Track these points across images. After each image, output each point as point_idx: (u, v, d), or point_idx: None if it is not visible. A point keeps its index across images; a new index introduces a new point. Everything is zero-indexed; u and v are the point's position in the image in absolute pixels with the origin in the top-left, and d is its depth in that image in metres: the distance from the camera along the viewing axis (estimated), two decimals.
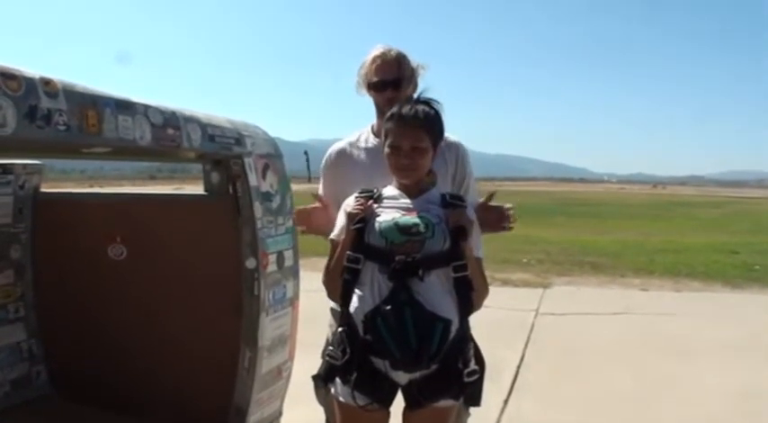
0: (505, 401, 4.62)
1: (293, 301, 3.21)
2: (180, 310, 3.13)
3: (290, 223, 3.23)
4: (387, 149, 2.11)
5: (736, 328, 6.82)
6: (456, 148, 2.51)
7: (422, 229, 1.99)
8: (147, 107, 2.27)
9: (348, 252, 2.05)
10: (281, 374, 3.12)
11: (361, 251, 2.02)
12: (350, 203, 2.14)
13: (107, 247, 3.22)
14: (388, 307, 1.89)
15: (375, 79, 2.53)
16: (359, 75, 2.61)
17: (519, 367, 5.46)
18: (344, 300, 2.04)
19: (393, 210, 2.07)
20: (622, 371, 5.41)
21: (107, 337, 3.27)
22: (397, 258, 1.94)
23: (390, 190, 2.16)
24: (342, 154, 2.67)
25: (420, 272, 1.93)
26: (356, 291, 2.02)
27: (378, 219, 2.04)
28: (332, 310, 2.52)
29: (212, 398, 2.95)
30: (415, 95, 2.21)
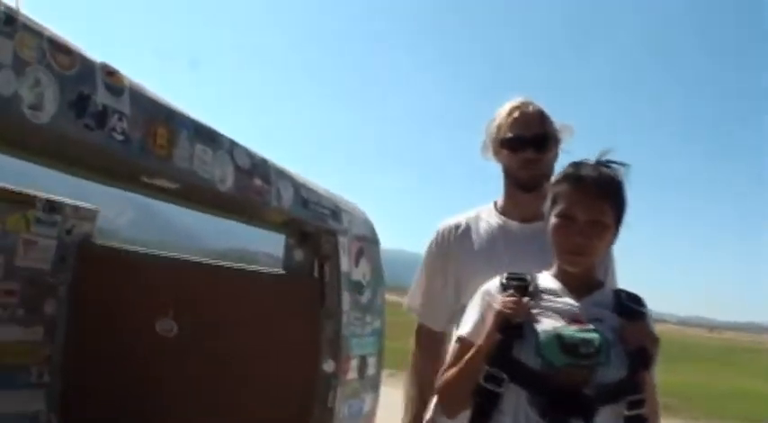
0: None
1: (369, 417, 2.84)
2: (233, 408, 2.67)
3: (377, 324, 2.77)
4: (554, 220, 1.61)
5: None
6: None
7: (594, 349, 1.47)
8: (233, 144, 1.81)
9: (487, 367, 1.54)
10: None
11: (506, 368, 1.52)
12: (495, 295, 1.60)
13: (155, 321, 2.81)
14: None
15: (510, 135, 2.02)
16: (487, 132, 2.11)
17: None
18: None
19: (553, 313, 1.56)
20: None
21: None
22: (561, 392, 1.46)
23: (547, 280, 1.65)
24: (456, 232, 2.11)
25: (589, 414, 1.45)
26: (493, 422, 1.54)
27: (536, 327, 1.53)
28: None
29: None
30: (594, 157, 1.69)
